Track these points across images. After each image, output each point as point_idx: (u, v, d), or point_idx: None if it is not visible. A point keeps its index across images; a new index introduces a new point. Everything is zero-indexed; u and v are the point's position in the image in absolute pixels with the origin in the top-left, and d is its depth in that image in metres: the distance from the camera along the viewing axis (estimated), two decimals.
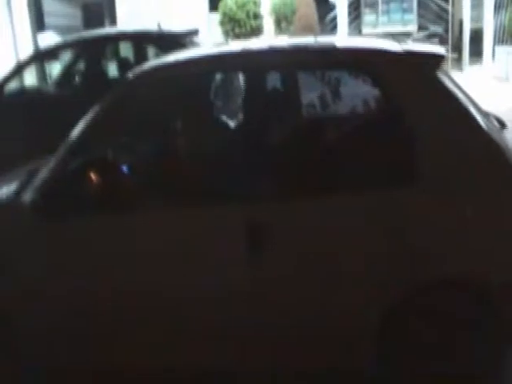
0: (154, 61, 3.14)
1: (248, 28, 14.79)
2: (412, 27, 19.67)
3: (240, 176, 2.52)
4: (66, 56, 7.47)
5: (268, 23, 15.31)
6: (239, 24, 14.76)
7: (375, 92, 2.68)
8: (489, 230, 2.41)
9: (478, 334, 2.48)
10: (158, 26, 6.79)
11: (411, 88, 2.47)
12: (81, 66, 7.28)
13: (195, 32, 6.94)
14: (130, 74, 2.80)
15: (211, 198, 2.54)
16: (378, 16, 20.61)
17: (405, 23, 20.20)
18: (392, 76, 2.49)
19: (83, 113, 2.72)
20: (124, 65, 6.94)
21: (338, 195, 2.48)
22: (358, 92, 2.81)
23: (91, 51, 7.10)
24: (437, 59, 2.56)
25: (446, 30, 18.01)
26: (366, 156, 2.53)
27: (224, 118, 3.36)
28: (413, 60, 2.56)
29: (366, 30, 19.57)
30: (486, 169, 2.44)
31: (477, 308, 2.46)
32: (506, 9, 13.47)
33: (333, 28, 16.60)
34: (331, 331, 2.53)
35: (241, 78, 2.87)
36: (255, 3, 14.92)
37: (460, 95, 2.55)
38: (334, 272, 2.46)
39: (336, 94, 2.84)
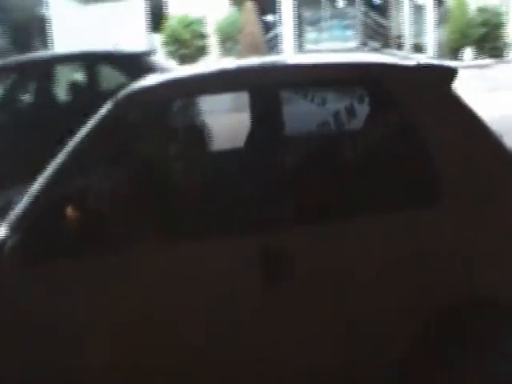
0: (140, 81, 2.89)
1: (193, 48, 14.62)
2: (353, 43, 20.11)
3: (249, 203, 2.37)
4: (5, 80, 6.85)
5: (214, 43, 15.23)
6: (185, 44, 14.57)
7: (383, 108, 2.57)
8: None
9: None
10: (114, 46, 6.53)
11: (429, 103, 2.42)
12: (26, 89, 6.77)
13: (151, 52, 6.73)
14: (116, 97, 2.56)
15: (212, 231, 2.34)
16: (320, 33, 21.06)
17: (346, 39, 20.64)
18: (409, 91, 2.42)
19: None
20: (75, 88, 6.60)
21: (358, 217, 2.36)
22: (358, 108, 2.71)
23: (36, 74, 6.61)
24: (451, 73, 2.49)
25: (385, 46, 18.54)
26: (384, 175, 2.44)
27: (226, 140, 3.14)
28: (430, 74, 2.51)
29: (308, 46, 19.81)
30: (504, 182, 2.40)
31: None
32: (445, 24, 13.93)
33: (273, 46, 16.81)
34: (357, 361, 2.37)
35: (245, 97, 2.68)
36: (200, 23, 14.77)
37: (471, 108, 2.46)
38: (359, 298, 2.32)
39: (349, 112, 2.67)
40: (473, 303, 2.37)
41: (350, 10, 20.10)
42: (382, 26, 19.79)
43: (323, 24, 20.27)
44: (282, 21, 14.83)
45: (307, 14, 19.58)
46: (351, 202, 2.43)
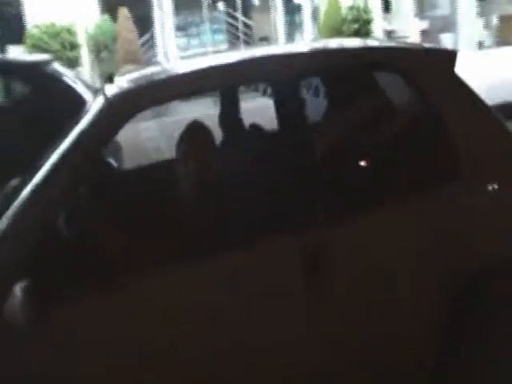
0: (130, 76, 2.42)
1: (65, 59, 13.59)
2: (223, 47, 20.06)
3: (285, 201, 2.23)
4: None
5: (86, 53, 14.29)
6: (55, 56, 13.46)
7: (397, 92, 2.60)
8: None
9: None
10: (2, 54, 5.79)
11: (441, 84, 2.51)
12: None
13: (48, 62, 6.04)
14: (107, 98, 2.08)
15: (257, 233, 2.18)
16: (189, 39, 20.78)
17: (215, 44, 20.67)
18: (423, 73, 2.46)
19: None
20: None
21: (391, 203, 2.34)
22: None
23: None
24: (454, 56, 2.60)
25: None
26: (410, 158, 2.47)
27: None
28: (440, 57, 2.64)
29: (178, 53, 19.45)
30: (508, 156, 2.56)
31: None
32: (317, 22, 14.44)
33: (144, 53, 16.30)
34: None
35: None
36: (70, 32, 13.72)
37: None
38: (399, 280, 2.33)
39: (369, 100, 2.50)
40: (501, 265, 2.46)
41: (219, 15, 20.08)
42: (249, 26, 20.06)
43: (193, 30, 20.03)
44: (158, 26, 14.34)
45: (178, 19, 19.23)
46: (383, 188, 2.39)
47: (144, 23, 16.62)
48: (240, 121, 3.10)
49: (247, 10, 20.05)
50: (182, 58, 15.65)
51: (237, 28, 20.15)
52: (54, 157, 2.00)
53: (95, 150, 1.99)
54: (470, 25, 17.55)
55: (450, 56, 2.59)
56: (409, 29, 16.28)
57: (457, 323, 2.39)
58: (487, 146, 2.49)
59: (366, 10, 14.06)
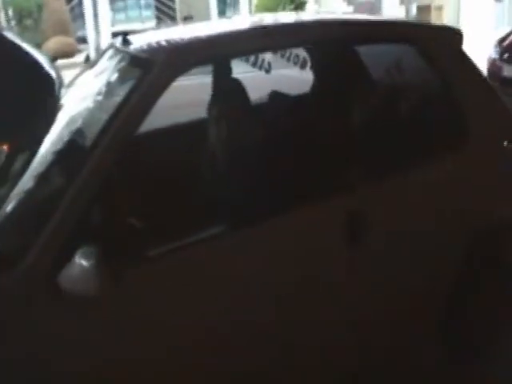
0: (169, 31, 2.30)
1: None
2: (151, 24, 19.49)
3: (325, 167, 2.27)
4: None
5: (3, 20, 13.32)
6: None
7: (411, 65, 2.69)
8: None
9: None
10: None
11: (451, 58, 2.66)
12: None
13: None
14: (151, 55, 1.96)
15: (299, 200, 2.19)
16: (114, 14, 19.94)
17: (143, 20, 20.03)
18: (437, 48, 2.59)
19: None
20: None
21: (413, 168, 2.48)
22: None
23: None
24: (461, 34, 2.76)
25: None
26: (427, 125, 2.59)
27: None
28: (450, 33, 2.79)
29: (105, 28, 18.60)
30: (505, 122, 2.80)
31: None
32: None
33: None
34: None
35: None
36: None
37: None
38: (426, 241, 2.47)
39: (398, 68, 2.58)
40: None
41: None
42: (170, 6, 19.59)
43: (119, 4, 19.29)
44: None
45: None
46: (409, 154, 2.49)
47: None
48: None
49: None
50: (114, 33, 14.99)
51: (166, 4, 19.67)
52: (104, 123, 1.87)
53: (147, 110, 1.89)
54: (392, 11, 18.12)
55: (458, 34, 2.77)
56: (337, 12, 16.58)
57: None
58: (491, 112, 2.74)
59: None
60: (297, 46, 2.51)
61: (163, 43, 2.22)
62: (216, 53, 2.17)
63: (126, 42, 2.43)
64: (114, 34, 15.02)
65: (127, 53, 2.31)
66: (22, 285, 1.68)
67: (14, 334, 1.68)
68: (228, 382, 2.11)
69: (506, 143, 2.82)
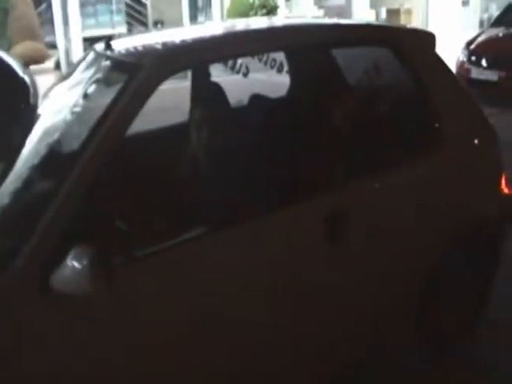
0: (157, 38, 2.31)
1: None
2: (121, 29, 19.38)
3: (307, 166, 2.31)
4: None
5: None
6: None
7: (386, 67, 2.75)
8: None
9: None
10: None
11: (426, 60, 2.75)
12: None
13: None
14: (137, 59, 1.99)
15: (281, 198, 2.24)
16: (84, 19, 19.75)
17: (114, 25, 19.85)
18: (411, 50, 2.67)
19: None
20: None
21: (391, 169, 2.55)
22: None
23: None
24: (434, 37, 2.88)
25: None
26: (403, 126, 2.66)
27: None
28: (424, 36, 2.89)
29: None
30: (476, 121, 2.93)
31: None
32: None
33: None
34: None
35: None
36: None
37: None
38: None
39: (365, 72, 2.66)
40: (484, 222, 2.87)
41: None
42: (145, 8, 19.50)
43: (89, 9, 19.09)
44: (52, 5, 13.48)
45: None
46: (387, 154, 2.54)
47: None
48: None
49: None
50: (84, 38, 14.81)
51: (136, 10, 19.58)
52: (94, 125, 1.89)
53: (135, 114, 1.91)
54: (362, 15, 18.40)
55: (431, 36, 2.88)
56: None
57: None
58: (464, 112, 2.86)
59: None
60: (278, 50, 2.57)
61: (149, 48, 2.25)
62: (201, 57, 2.20)
63: (109, 47, 2.45)
64: (85, 40, 14.92)
65: (111, 57, 2.33)
66: (14, 287, 1.69)
67: (5, 335, 1.69)
68: (216, 380, 2.14)
69: (476, 141, 2.93)
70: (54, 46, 14.43)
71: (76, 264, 1.66)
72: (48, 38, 15.42)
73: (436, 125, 2.72)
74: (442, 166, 2.71)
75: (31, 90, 4.41)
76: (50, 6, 14.98)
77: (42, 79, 6.09)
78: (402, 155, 2.59)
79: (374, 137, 2.53)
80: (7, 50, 11.82)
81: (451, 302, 2.88)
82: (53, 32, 14.80)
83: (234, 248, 2.11)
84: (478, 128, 2.96)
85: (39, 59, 12.84)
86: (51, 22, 14.90)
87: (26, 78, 4.70)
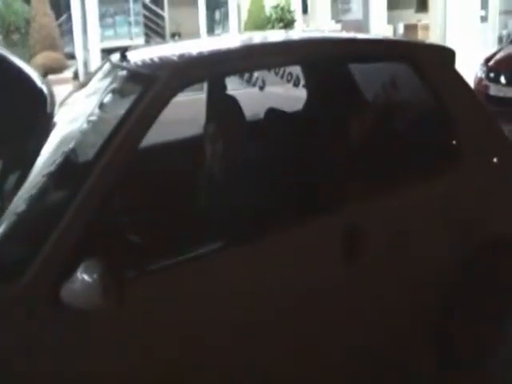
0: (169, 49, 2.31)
1: None
2: (139, 40, 19.57)
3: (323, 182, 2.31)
4: None
5: None
6: None
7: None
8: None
9: None
10: None
11: (446, 76, 2.73)
12: None
13: None
14: (153, 71, 1.98)
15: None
16: (102, 30, 19.96)
17: (132, 37, 20.09)
18: (430, 66, 2.64)
19: None
20: None
21: (408, 186, 2.52)
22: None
23: None
24: (453, 53, 2.85)
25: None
26: (421, 142, 2.63)
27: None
28: (443, 51, 2.87)
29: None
30: (495, 139, 2.88)
31: None
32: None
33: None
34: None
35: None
36: None
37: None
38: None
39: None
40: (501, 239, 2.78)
41: (135, 6, 19.55)
42: (163, 20, 19.71)
43: (108, 20, 19.35)
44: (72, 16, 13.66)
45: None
46: (403, 170, 2.53)
47: (60, 6, 15.77)
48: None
49: (169, 3, 19.70)
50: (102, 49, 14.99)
51: (154, 22, 19.79)
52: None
53: (149, 125, 1.90)
54: (380, 30, 18.42)
55: (451, 52, 2.84)
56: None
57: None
58: (483, 129, 2.82)
59: (290, 10, 14.35)
60: (294, 63, 2.55)
61: (164, 59, 2.24)
62: (217, 69, 2.19)
63: (124, 58, 2.45)
64: (104, 50, 15.09)
65: (127, 68, 2.33)
66: (24, 298, 1.67)
67: (14, 347, 1.66)
68: None
69: (495, 160, 2.88)
70: (72, 56, 14.62)
71: (86, 277, 1.64)
72: (67, 49, 15.62)
73: (454, 142, 2.69)
74: (459, 183, 2.67)
75: (48, 99, 4.44)
76: (70, 17, 15.17)
77: (60, 89, 6.16)
78: (419, 171, 2.55)
79: (390, 152, 2.49)
80: (28, 59, 11.99)
81: (471, 319, 2.81)
82: (72, 43, 15.00)
83: (249, 263, 2.08)
84: (497, 145, 2.91)
85: (58, 69, 12.95)
86: (71, 32, 15.12)
87: (44, 88, 4.74)
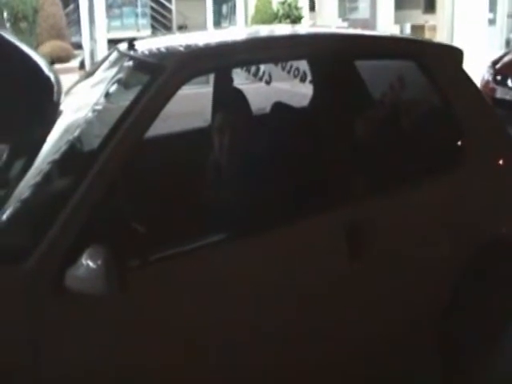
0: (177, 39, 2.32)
1: None
2: (146, 32, 19.58)
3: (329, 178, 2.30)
4: None
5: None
6: None
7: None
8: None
9: None
10: None
11: (453, 76, 2.71)
12: None
13: None
14: (161, 60, 1.98)
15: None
16: (109, 21, 19.97)
17: (139, 28, 20.11)
18: (438, 65, 2.63)
19: None
20: None
21: (412, 184, 2.50)
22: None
23: None
24: (462, 52, 2.84)
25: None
26: (427, 141, 2.65)
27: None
28: (452, 51, 2.85)
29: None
30: (501, 140, 2.85)
31: None
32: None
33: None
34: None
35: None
36: None
37: None
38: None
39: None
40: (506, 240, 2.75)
41: None
42: (165, 16, 19.71)
43: (115, 11, 19.33)
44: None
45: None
46: (410, 167, 2.53)
47: None
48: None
49: None
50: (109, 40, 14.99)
51: (161, 14, 19.77)
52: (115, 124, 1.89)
53: (155, 115, 1.91)
54: (387, 29, 18.38)
55: (459, 52, 2.83)
56: None
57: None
58: (489, 131, 2.79)
59: (297, 7, 14.35)
60: (301, 57, 2.55)
61: (172, 49, 2.24)
62: (224, 61, 2.19)
63: (132, 47, 2.45)
64: (110, 41, 15.08)
65: (134, 57, 2.33)
66: (28, 284, 1.68)
67: (18, 333, 1.68)
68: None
69: (501, 161, 2.88)
70: (79, 46, 14.64)
71: (91, 263, 1.65)
72: (74, 39, 15.64)
73: (460, 141, 2.68)
74: (464, 183, 2.66)
75: (55, 87, 4.43)
76: (77, 7, 15.16)
77: (67, 78, 6.17)
78: (424, 170, 2.55)
79: (396, 150, 2.50)
80: (35, 47, 12.01)
81: (475, 318, 2.81)
82: (79, 32, 15.00)
83: (253, 256, 2.09)
84: (503, 147, 2.91)
85: (65, 58, 12.99)
86: (78, 22, 15.11)
87: (51, 76, 4.74)
